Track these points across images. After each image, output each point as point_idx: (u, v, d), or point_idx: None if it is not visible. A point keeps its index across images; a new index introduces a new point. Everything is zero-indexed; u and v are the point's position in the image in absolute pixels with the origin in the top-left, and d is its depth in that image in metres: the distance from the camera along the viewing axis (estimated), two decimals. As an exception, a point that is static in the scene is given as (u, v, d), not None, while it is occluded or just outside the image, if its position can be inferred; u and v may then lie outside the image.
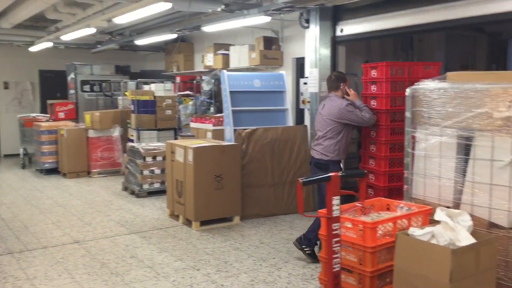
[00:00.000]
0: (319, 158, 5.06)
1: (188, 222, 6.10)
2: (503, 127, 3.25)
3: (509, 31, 8.76)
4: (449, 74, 3.85)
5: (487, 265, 2.79)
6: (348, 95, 5.16)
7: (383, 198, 3.92)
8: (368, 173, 5.40)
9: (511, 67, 9.03)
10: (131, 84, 9.91)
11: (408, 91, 3.81)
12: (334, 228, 2.87)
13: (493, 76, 3.75)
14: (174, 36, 9.18)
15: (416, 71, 5.18)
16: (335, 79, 5.20)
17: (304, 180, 2.87)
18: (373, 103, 5.27)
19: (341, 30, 6.55)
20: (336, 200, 2.84)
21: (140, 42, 10.21)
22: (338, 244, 2.92)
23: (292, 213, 6.53)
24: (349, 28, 6.48)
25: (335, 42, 6.64)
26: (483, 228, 3.26)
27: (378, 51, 7.91)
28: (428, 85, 3.69)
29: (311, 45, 6.69)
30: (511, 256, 3.20)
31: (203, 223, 5.97)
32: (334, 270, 2.91)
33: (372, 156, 5.39)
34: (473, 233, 2.89)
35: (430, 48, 8.31)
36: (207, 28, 7.94)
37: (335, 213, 2.87)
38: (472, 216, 3.16)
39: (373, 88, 5.28)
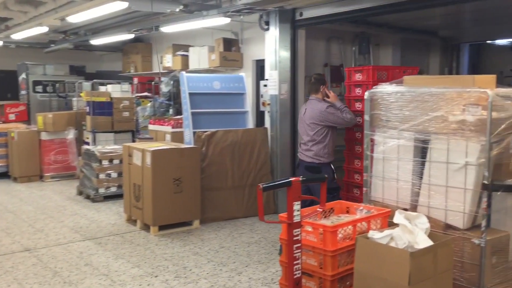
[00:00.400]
0: (310, 162, 5.19)
1: (146, 227, 5.95)
2: (457, 130, 3.32)
3: (461, 35, 9.07)
4: (405, 78, 3.90)
5: (444, 266, 2.83)
6: (328, 97, 5.23)
7: (343, 201, 3.93)
8: (354, 173, 5.64)
9: (463, 71, 9.35)
10: (87, 85, 9.62)
11: (367, 94, 3.85)
12: (295, 233, 2.84)
13: (447, 80, 3.84)
14: (131, 36, 8.98)
15: (396, 75, 5.32)
16: (315, 82, 5.27)
17: (264, 186, 2.83)
18: (358, 105, 5.43)
19: (301, 14, 6.53)
20: (297, 206, 2.81)
21: (95, 42, 9.93)
22: (299, 250, 2.89)
23: (252, 216, 6.49)
24: (308, 12, 6.46)
25: (295, 26, 6.62)
26: (439, 230, 3.32)
27: (337, 55, 7.99)
28: (385, 89, 3.73)
29: (271, 47, 6.68)
30: (466, 257, 3.27)
31: (162, 227, 5.84)
32: (295, 276, 2.88)
33: (358, 156, 5.55)
34: (430, 235, 2.93)
35: (386, 52, 8.47)
36: (166, 29, 7.80)
37: (296, 219, 2.84)
38: (428, 218, 3.22)
39: (358, 91, 5.45)
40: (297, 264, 2.89)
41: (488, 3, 6.10)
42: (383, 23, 7.81)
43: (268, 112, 6.86)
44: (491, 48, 9.93)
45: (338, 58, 8.01)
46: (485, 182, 3.20)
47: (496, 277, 3.28)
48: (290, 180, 2.86)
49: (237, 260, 4.91)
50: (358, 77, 5.44)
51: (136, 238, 5.64)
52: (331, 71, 7.93)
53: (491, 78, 3.49)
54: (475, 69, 9.71)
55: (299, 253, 2.91)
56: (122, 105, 8.59)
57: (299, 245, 2.90)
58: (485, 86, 3.34)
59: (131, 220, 6.29)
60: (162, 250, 5.22)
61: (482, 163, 3.21)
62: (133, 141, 8.40)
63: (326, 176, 3.16)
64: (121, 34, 8.92)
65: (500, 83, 3.51)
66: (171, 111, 8.72)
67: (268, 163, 6.71)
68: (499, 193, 3.31)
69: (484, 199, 3.21)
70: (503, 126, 3.26)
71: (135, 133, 8.85)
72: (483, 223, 3.22)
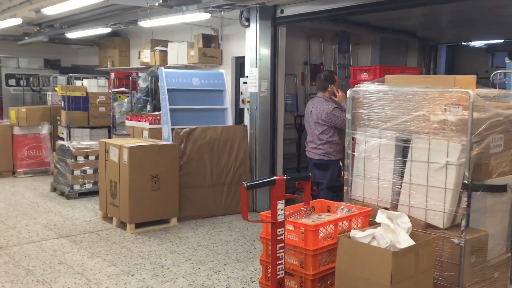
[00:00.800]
0: (318, 159, 5.14)
1: (122, 225, 5.84)
2: (439, 130, 3.33)
3: (438, 36, 9.19)
4: (387, 77, 3.90)
5: (425, 266, 2.83)
6: (335, 96, 5.17)
7: (324, 199, 3.91)
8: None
9: (440, 71, 9.48)
10: (62, 79, 9.40)
11: (349, 93, 3.83)
12: (279, 233, 2.80)
13: (429, 80, 3.85)
14: (109, 30, 8.80)
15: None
16: (324, 79, 5.21)
17: (248, 184, 2.78)
18: None
19: (281, 11, 6.49)
20: (281, 205, 2.77)
21: (71, 35, 9.70)
22: (283, 250, 2.86)
23: (231, 213, 6.44)
24: (289, 9, 6.43)
25: (276, 24, 6.58)
26: (420, 229, 3.32)
27: (318, 53, 8.00)
28: (368, 88, 3.72)
29: (252, 44, 6.63)
30: (446, 256, 3.28)
31: (139, 225, 5.74)
32: (279, 276, 2.84)
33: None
34: (412, 235, 2.93)
35: (366, 51, 8.52)
36: (144, 23, 7.67)
37: (280, 218, 2.80)
38: (409, 217, 3.21)
39: None
40: (281, 264, 2.86)
41: (463, 5, 6.20)
42: (363, 23, 7.85)
43: (248, 109, 6.81)
44: (466, 50, 10.10)
45: (318, 56, 8.01)
46: (465, 181, 3.22)
47: (474, 276, 3.30)
48: (275, 179, 2.82)
49: (215, 258, 4.86)
50: (364, 76, 5.46)
51: (112, 236, 5.52)
52: (311, 69, 7.93)
53: (472, 78, 3.52)
54: (451, 70, 9.86)
55: (283, 253, 2.87)
56: (98, 100, 8.43)
57: (282, 244, 2.86)
58: (466, 87, 3.35)
59: (107, 218, 6.16)
60: (139, 248, 5.13)
61: (462, 163, 3.23)
62: (110, 137, 8.25)
63: (310, 174, 3.13)
64: (98, 28, 8.73)
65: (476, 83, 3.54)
66: (149, 107, 8.59)
67: (247, 161, 6.66)
68: (478, 192, 3.34)
69: (464, 199, 3.22)
70: (483, 127, 3.28)
71: (111, 129, 8.69)
72: (463, 222, 3.23)
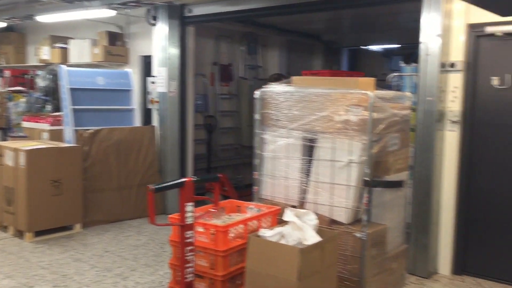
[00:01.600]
0: None
1: (19, 234, 5.42)
2: (342, 129, 3.48)
3: (341, 40, 9.63)
4: (294, 78, 4.01)
5: (330, 260, 2.94)
6: None
7: (234, 199, 3.92)
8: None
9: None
10: None
11: (257, 93, 3.87)
12: (187, 236, 2.75)
13: (333, 82, 4.01)
14: (3, 25, 8.14)
15: None
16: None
17: (155, 187, 2.70)
18: None
19: (189, 11, 6.41)
20: (189, 207, 2.72)
21: (-41, 28, 8.83)
22: (192, 253, 2.81)
23: (140, 217, 6.24)
24: (197, 9, 6.37)
25: (184, 23, 6.48)
26: (326, 225, 3.45)
27: (227, 53, 8.02)
28: (276, 88, 3.79)
29: (160, 43, 6.48)
30: (349, 250, 3.44)
31: (38, 233, 5.37)
32: (188, 280, 2.79)
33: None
34: (318, 231, 3.02)
35: (273, 53, 8.70)
36: (42, 18, 7.19)
37: (189, 220, 2.75)
38: (315, 214, 3.32)
39: None
40: (190, 267, 2.81)
41: (363, 11, 6.56)
42: (270, 25, 8.00)
43: (157, 110, 6.66)
44: (366, 53, 10.67)
45: (227, 57, 8.04)
46: (366, 178, 3.40)
47: (375, 268, 3.49)
48: (183, 181, 2.77)
49: (123, 264, 4.68)
50: None
51: (8, 246, 5.11)
52: (220, 70, 7.94)
53: (371, 80, 3.72)
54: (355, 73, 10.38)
55: (192, 256, 2.83)
56: (-9, 99, 7.76)
57: (191, 247, 2.82)
58: (366, 88, 3.54)
59: (2, 226, 5.70)
60: (38, 257, 4.80)
61: (363, 160, 3.40)
62: (5, 139, 7.63)
63: (218, 175, 3.11)
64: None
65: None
66: (48, 107, 8.07)
67: (156, 163, 6.51)
68: (378, 188, 3.54)
69: (365, 195, 3.40)
70: (382, 126, 3.48)
71: (6, 131, 8.04)
72: (364, 217, 3.41)
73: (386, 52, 10.22)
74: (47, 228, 5.44)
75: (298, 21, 7.67)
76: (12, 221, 5.48)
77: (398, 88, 5.33)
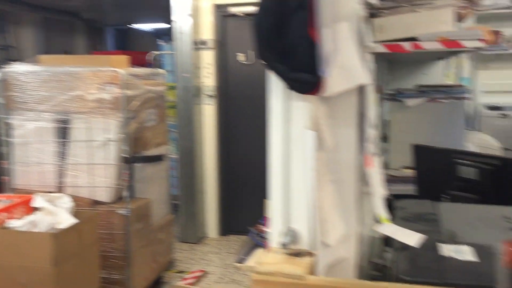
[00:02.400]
0: None
1: None
2: (96, 108, 3.42)
3: (105, 19, 9.34)
4: (41, 57, 3.76)
5: (89, 240, 2.90)
6: None
7: (-22, 193, 3.51)
8: None
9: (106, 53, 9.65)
10: None
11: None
12: None
13: (85, 60, 3.90)
14: None
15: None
16: None
17: None
18: None
19: None
20: None
21: None
22: None
23: None
24: None
25: None
26: (87, 207, 3.37)
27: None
28: (18, 68, 3.50)
29: None
30: (114, 228, 3.44)
31: None
32: None
33: None
34: (76, 214, 2.93)
35: (28, 31, 7.95)
36: None
37: None
38: (76, 196, 3.22)
39: None
40: None
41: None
42: (22, 1, 7.25)
43: None
44: (136, 33, 10.58)
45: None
46: (125, 155, 3.43)
47: (141, 241, 3.58)
48: None
49: None
50: None
51: None
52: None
53: (125, 58, 3.73)
54: (124, 53, 10.15)
55: None
56: None
57: None
58: (119, 66, 3.53)
59: None
60: None
61: (120, 138, 3.41)
62: None
63: None
64: None
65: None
66: None
67: None
68: (139, 164, 3.61)
69: (125, 172, 3.43)
70: (136, 103, 3.54)
71: None
72: (126, 193, 3.45)
73: (157, 32, 10.31)
74: None
75: (54, -3, 7.15)
76: None
77: (159, 66, 5.47)
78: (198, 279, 4.10)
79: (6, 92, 3.52)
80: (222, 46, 4.91)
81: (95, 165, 3.43)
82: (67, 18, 8.57)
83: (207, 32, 4.85)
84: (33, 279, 2.57)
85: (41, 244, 2.53)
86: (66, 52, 8.33)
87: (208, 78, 4.92)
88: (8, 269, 2.59)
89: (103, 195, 3.45)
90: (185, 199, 4.91)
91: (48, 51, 7.85)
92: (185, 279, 4.07)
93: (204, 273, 4.20)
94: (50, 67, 3.48)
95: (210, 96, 4.93)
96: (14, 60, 7.35)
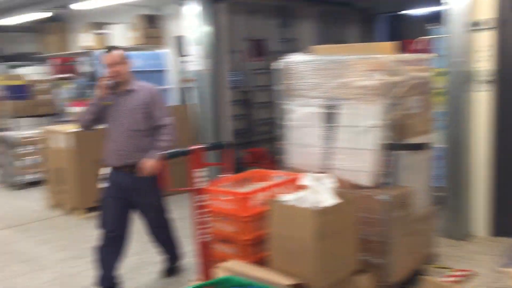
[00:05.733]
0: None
1: (70, 211, 5.82)
2: (362, 95, 3.50)
3: (377, 6, 9.39)
4: (316, 47, 4.04)
5: (349, 221, 3.02)
6: None
7: (261, 169, 4.04)
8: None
9: (378, 40, 9.69)
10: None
11: (280, 64, 3.94)
12: (197, 199, 3.05)
13: (354, 48, 4.02)
14: (46, 15, 8.54)
15: None
16: None
17: (167, 153, 3.13)
18: None
19: None
20: (198, 173, 2.97)
21: (4, 21, 9.34)
22: (204, 216, 3.04)
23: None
24: None
25: (216, 0, 6.54)
26: (351, 189, 3.50)
27: (260, 28, 8.05)
28: (295, 58, 3.85)
29: (192, 22, 6.60)
30: (374, 213, 3.49)
31: (88, 210, 5.74)
32: (202, 240, 3.06)
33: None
34: (338, 194, 3.09)
35: (306, 25, 8.64)
36: (79, 5, 7.49)
37: (198, 185, 3.07)
38: (340, 179, 3.39)
39: None
40: (203, 229, 3.09)
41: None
42: (301, -4, 7.94)
43: (191, 88, 6.84)
44: (407, 19, 10.35)
45: (261, 32, 8.08)
46: (388, 142, 3.42)
47: (401, 229, 3.53)
48: (192, 149, 3.15)
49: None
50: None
51: (61, 223, 5.52)
52: (254, 45, 7.99)
53: (390, 45, 3.70)
54: (394, 40, 10.06)
55: (205, 219, 3.11)
56: (39, 87, 8.23)
57: (203, 210, 3.08)
58: (385, 53, 3.54)
59: (55, 205, 6.13)
60: (90, 231, 5.15)
61: (384, 124, 3.42)
62: (53, 124, 8.10)
63: (224, 142, 3.41)
64: (33, 13, 8.46)
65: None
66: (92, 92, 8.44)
67: (191, 139, 6.72)
68: (401, 151, 3.56)
69: (387, 158, 3.43)
70: (401, 89, 3.48)
71: (54, 116, 8.53)
72: (388, 180, 3.45)
73: (428, 16, 9.88)
74: (95, 206, 5.80)
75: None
76: (63, 200, 5.89)
77: (431, 51, 5.22)
78: (464, 278, 3.80)
79: (284, 80, 3.93)
80: (505, 24, 4.36)
81: (359, 150, 3.53)
82: (341, 8, 8.96)
83: (485, 11, 4.38)
84: (298, 249, 2.84)
85: (306, 219, 2.77)
86: (338, 41, 8.73)
87: (485, 62, 4.45)
88: (280, 238, 2.93)
89: (365, 179, 3.53)
90: (451, 192, 4.61)
91: (323, 41, 8.38)
92: (448, 276, 3.84)
93: (471, 274, 3.87)
94: (321, 56, 3.72)
95: (487, 82, 4.46)
96: (295, 51, 8.17)
